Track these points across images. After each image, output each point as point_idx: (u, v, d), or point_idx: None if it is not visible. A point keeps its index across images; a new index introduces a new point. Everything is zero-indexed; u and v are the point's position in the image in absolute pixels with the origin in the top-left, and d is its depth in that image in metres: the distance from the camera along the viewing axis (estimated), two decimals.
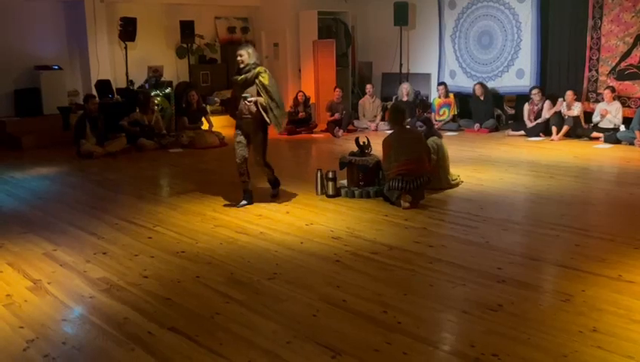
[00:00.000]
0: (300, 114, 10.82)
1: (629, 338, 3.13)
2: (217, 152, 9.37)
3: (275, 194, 6.28)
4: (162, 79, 11.36)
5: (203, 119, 10.20)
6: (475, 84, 10.86)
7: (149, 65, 11.45)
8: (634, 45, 9.36)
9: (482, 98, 10.72)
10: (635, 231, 4.91)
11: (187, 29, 11.47)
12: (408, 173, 5.78)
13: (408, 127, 6.41)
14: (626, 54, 9.46)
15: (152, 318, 3.52)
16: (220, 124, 11.00)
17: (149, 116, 9.74)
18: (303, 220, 5.49)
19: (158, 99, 10.55)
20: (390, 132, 6.48)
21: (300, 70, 12.54)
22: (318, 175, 6.37)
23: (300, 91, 11.11)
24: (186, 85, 11.23)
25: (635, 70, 9.41)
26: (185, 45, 11.75)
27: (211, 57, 12.88)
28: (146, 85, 11.05)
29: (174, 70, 12.10)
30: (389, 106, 9.97)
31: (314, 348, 3.12)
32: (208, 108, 10.97)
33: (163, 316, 3.55)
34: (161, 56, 11.96)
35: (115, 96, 10.64)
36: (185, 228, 5.33)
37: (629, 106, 9.44)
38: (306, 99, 11.03)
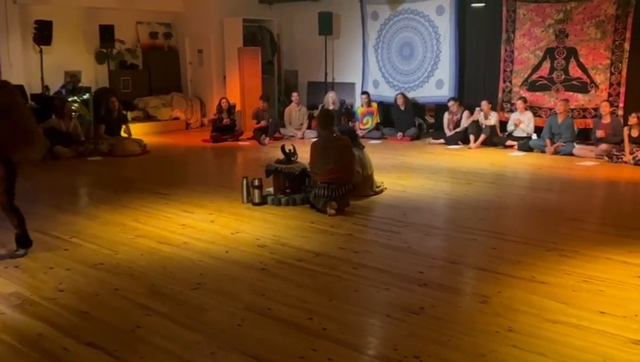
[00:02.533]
0: (225, 120, 10.70)
1: (543, 336, 3.29)
2: (138, 160, 9.12)
3: (16, 255, 4.66)
4: (80, 85, 10.95)
5: (123, 127, 9.91)
6: (396, 94, 11.14)
7: (65, 70, 11.02)
8: (544, 58, 9.91)
9: (403, 108, 11.01)
10: (547, 234, 5.18)
11: (107, 33, 11.12)
12: (334, 182, 5.84)
13: (335, 134, 6.48)
14: (537, 67, 10.00)
15: (68, 333, 3.36)
16: (141, 131, 10.73)
17: (67, 123, 9.35)
18: (228, 229, 5.42)
19: (75, 105, 10.14)
20: (317, 137, 6.52)
21: (225, 77, 12.44)
22: (244, 183, 6.32)
23: (224, 98, 10.99)
24: (105, 91, 10.87)
25: (545, 82, 9.96)
26: (105, 50, 11.39)
27: (132, 63, 12.54)
28: (62, 91, 10.62)
29: (93, 75, 11.69)
30: (315, 115, 10.03)
31: (239, 358, 3.08)
32: (129, 115, 10.67)
33: (80, 331, 3.40)
34: (80, 61, 11.53)
35: (29, 102, 10.13)
36: (104, 238, 5.13)
37: (540, 116, 9.96)
38: (230, 107, 10.93)
